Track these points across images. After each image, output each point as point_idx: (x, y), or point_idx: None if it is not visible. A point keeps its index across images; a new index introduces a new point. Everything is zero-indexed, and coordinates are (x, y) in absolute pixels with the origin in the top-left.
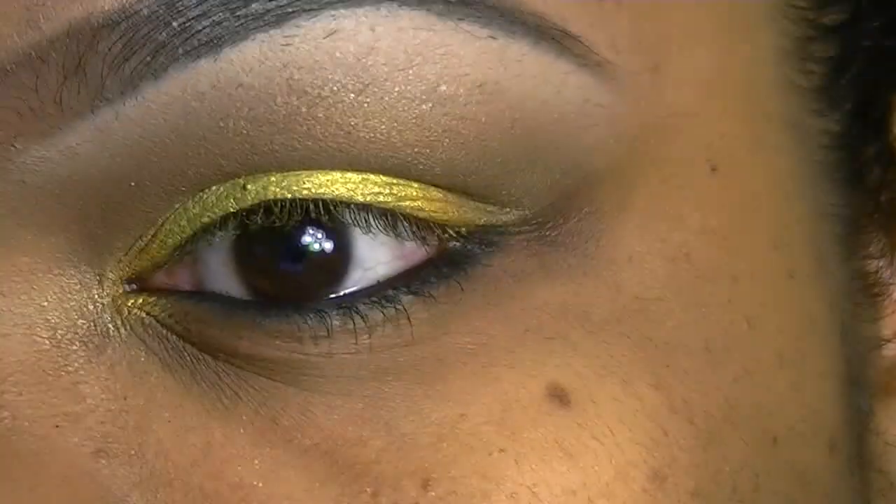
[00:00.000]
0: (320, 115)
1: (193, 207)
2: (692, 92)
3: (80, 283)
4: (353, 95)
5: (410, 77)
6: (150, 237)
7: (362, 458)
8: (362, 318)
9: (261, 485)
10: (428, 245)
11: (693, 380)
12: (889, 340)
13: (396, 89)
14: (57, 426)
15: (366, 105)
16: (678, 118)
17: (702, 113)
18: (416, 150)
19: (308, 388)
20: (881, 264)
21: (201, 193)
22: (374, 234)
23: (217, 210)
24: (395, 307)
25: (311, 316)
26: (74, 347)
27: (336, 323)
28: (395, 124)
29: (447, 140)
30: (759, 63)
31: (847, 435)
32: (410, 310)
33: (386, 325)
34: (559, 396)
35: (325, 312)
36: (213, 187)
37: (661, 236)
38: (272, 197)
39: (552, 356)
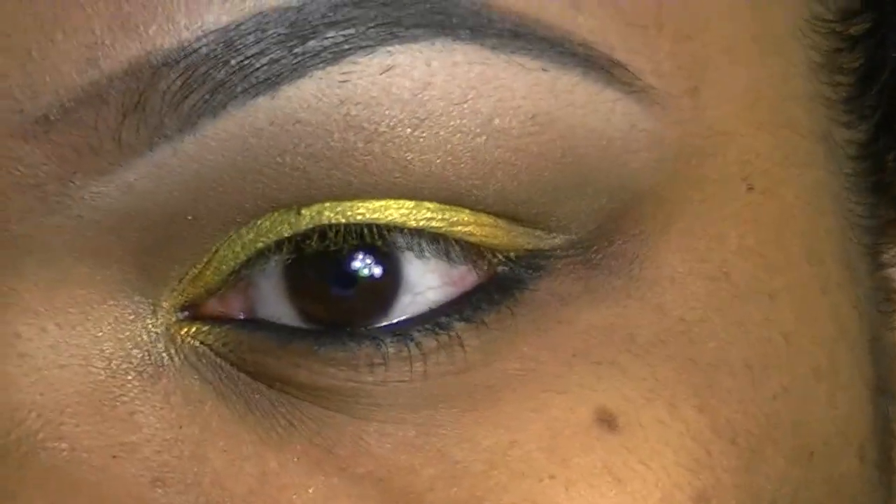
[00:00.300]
0: (377, 150)
1: (248, 234)
2: (729, 111)
3: (135, 313)
4: (409, 130)
5: (465, 111)
6: (203, 264)
7: (415, 486)
8: (417, 345)
9: None
10: (478, 269)
11: (735, 399)
12: None
13: (452, 123)
14: (114, 456)
15: (421, 140)
16: (716, 137)
17: (738, 131)
18: (469, 182)
19: (362, 417)
20: None
21: (256, 220)
22: (426, 258)
23: (271, 235)
24: (448, 334)
25: (367, 343)
26: (129, 377)
27: (391, 350)
28: (450, 158)
29: (500, 172)
30: (790, 78)
31: (874, 443)
32: (463, 336)
33: (440, 353)
34: (607, 421)
35: (380, 340)
36: (268, 213)
37: (701, 256)
38: (326, 222)
39: (600, 380)
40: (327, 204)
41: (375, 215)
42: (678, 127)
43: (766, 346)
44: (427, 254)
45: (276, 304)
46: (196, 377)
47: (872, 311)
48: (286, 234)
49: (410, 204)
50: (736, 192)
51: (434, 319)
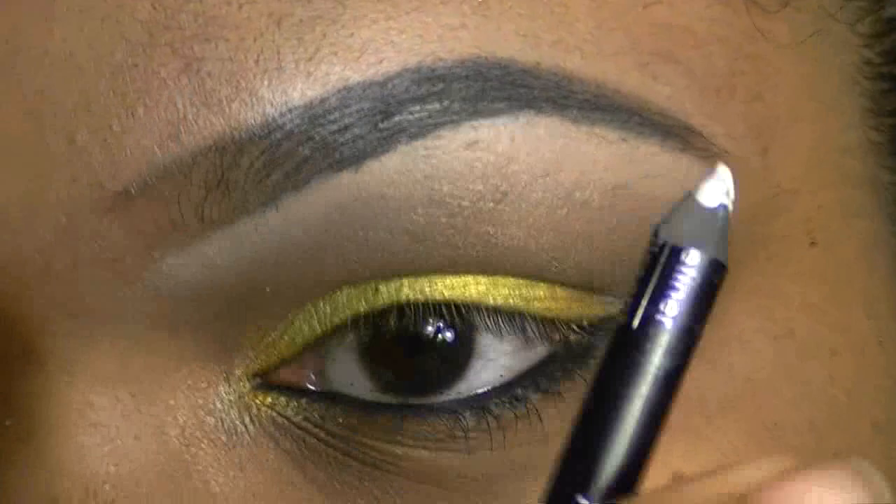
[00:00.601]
0: (459, 224)
1: (325, 307)
2: (795, 169)
3: (208, 381)
4: (492, 204)
5: (548, 184)
6: (278, 333)
7: None
8: (495, 417)
9: None
10: (552, 341)
11: (800, 458)
12: None
13: (534, 197)
14: None
15: (504, 213)
16: (783, 196)
17: (803, 188)
18: (550, 255)
19: (454, 489)
20: None
21: (333, 293)
22: (502, 336)
23: (348, 311)
24: (525, 406)
25: (446, 416)
26: (203, 445)
27: (471, 423)
28: (532, 231)
29: (581, 243)
30: (848, 129)
31: None
32: (540, 407)
33: (518, 424)
34: None
35: (459, 413)
36: (345, 289)
37: (767, 315)
38: (404, 299)
39: (675, 445)
40: (405, 280)
41: (453, 292)
42: (749, 188)
43: (830, 404)
44: (505, 332)
45: (349, 373)
46: (272, 446)
47: None
48: (362, 310)
49: (488, 281)
50: (800, 248)
51: (510, 392)
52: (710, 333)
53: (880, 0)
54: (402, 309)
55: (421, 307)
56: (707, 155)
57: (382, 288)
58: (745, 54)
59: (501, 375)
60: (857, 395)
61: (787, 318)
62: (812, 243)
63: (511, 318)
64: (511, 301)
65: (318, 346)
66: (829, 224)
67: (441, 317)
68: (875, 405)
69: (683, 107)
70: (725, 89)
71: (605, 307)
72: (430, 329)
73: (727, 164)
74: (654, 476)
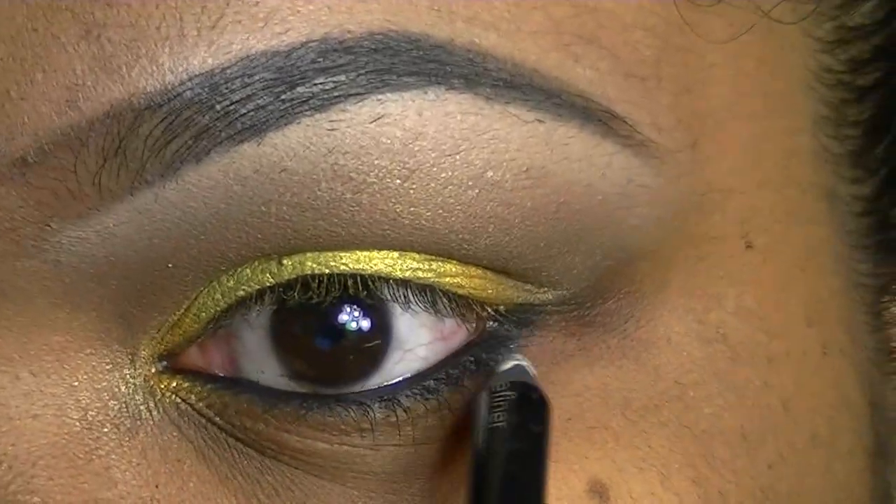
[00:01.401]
0: (365, 201)
1: (228, 281)
2: (729, 167)
3: (112, 363)
4: (398, 182)
5: (457, 163)
6: (183, 311)
7: None
8: (405, 410)
9: None
10: (467, 322)
11: (729, 469)
12: None
13: (443, 175)
14: None
15: (411, 191)
16: (716, 194)
17: (738, 188)
18: (460, 235)
19: (354, 486)
20: None
21: (237, 269)
22: (413, 310)
23: (253, 284)
24: (436, 399)
25: (354, 407)
26: (106, 430)
27: (379, 415)
28: (441, 211)
29: (492, 226)
30: (796, 133)
31: None
32: (451, 401)
33: (429, 417)
34: (599, 493)
35: (367, 405)
36: (249, 261)
37: (698, 317)
38: (309, 272)
39: (594, 448)
40: (310, 254)
41: (360, 265)
42: (677, 183)
43: (764, 413)
44: (414, 306)
45: (261, 359)
46: (176, 434)
47: (873, 373)
48: (268, 284)
49: (395, 254)
50: (735, 250)
51: (421, 383)
52: (636, 332)
53: (842, 6)
54: (306, 281)
55: (326, 279)
56: (630, 143)
57: (286, 261)
58: (674, 45)
59: (418, 368)
60: (794, 405)
61: (719, 321)
62: (748, 246)
63: (422, 292)
64: (420, 273)
65: (224, 323)
66: (771, 228)
67: (346, 289)
68: (815, 416)
69: (606, 92)
70: (652, 79)
71: (521, 294)
72: (345, 317)
73: (653, 154)
74: (571, 481)
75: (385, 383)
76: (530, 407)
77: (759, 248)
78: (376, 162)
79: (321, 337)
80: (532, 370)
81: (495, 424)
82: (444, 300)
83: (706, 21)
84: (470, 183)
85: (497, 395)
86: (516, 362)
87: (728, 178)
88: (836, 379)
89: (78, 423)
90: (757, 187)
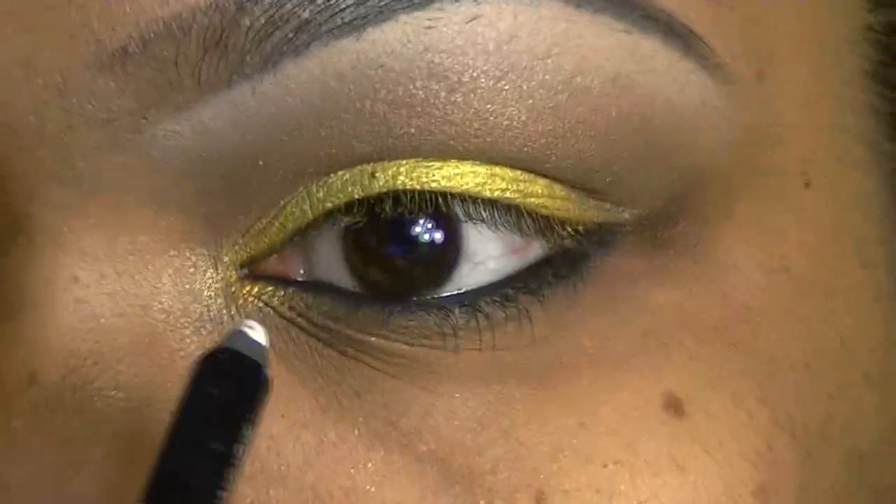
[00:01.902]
0: (459, 100)
1: (318, 192)
2: (791, 104)
3: (195, 266)
4: (492, 82)
5: (549, 66)
6: (270, 219)
7: (478, 467)
8: (485, 316)
9: (373, 490)
10: (548, 241)
11: (795, 393)
12: None
13: (535, 78)
14: (171, 412)
15: (504, 92)
16: (778, 128)
17: (798, 126)
18: (549, 139)
19: (432, 390)
20: None
21: (327, 178)
22: (497, 230)
23: (342, 196)
24: (516, 306)
25: (435, 312)
26: (188, 332)
27: (460, 321)
28: (532, 112)
29: (580, 131)
30: (846, 83)
31: None
32: (531, 309)
33: (507, 324)
34: (675, 406)
35: (449, 310)
36: (340, 172)
37: (761, 248)
38: (401, 187)
39: (668, 363)
40: (403, 168)
41: (451, 183)
42: (745, 111)
43: (824, 345)
44: (500, 225)
45: (333, 268)
46: None
47: None
48: (357, 196)
49: (486, 172)
50: (795, 186)
51: (500, 291)
52: (705, 256)
53: None
54: (397, 196)
55: (417, 195)
56: (706, 65)
57: (379, 173)
58: None
59: (490, 278)
60: (850, 342)
61: (782, 253)
62: (807, 184)
63: (507, 212)
64: (508, 194)
65: (307, 235)
66: (826, 168)
67: (437, 207)
68: (868, 356)
69: (686, 11)
70: (725, 4)
71: (601, 213)
72: (417, 228)
73: (726, 79)
74: (647, 393)
75: (460, 290)
76: (231, 377)
77: (816, 188)
78: (471, 62)
79: (392, 248)
80: (260, 338)
81: (188, 394)
82: (529, 220)
83: None
84: (560, 87)
85: (202, 363)
86: (238, 328)
87: (789, 114)
88: (887, 324)
89: (161, 324)
90: (815, 129)
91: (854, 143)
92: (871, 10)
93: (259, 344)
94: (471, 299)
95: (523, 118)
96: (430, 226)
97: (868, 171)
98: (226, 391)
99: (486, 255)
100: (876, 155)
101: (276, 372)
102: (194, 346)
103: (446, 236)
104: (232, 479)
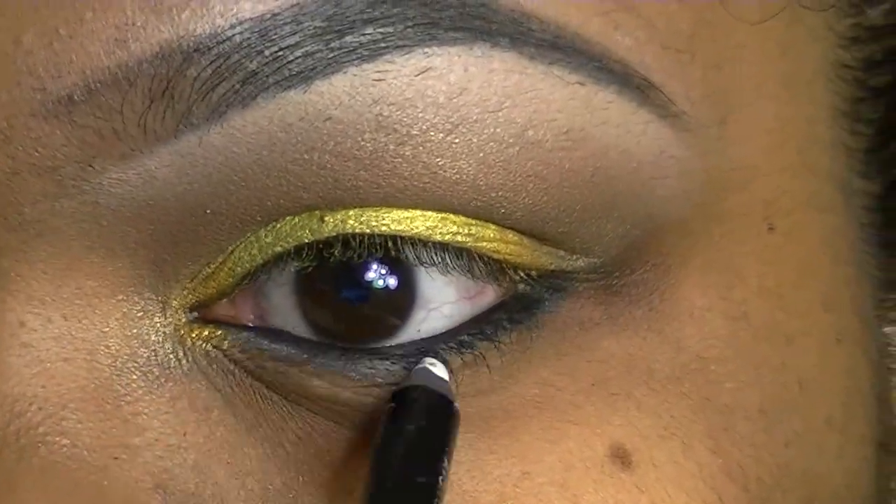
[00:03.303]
0: (407, 153)
1: (266, 236)
2: (754, 146)
3: (143, 310)
4: (441, 135)
5: (500, 120)
6: (218, 264)
7: None
8: (443, 362)
9: None
10: (500, 286)
11: (748, 444)
12: None
13: (486, 131)
14: (116, 458)
15: (454, 145)
16: (740, 172)
17: (762, 168)
18: (500, 193)
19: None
20: None
21: (276, 223)
22: (449, 273)
23: (291, 240)
24: (472, 352)
25: (391, 360)
26: (135, 377)
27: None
28: (482, 166)
29: (531, 185)
30: (815, 121)
31: (875, 499)
32: (487, 356)
33: (464, 371)
34: (621, 457)
35: (407, 357)
36: (289, 217)
37: (721, 293)
38: (350, 231)
39: (616, 413)
40: (352, 212)
41: (401, 227)
42: (705, 157)
43: (782, 392)
44: (451, 269)
45: (285, 314)
46: (204, 383)
47: (881, 367)
48: (306, 240)
49: (437, 216)
50: (757, 230)
51: (456, 337)
52: (661, 304)
53: (859, 4)
54: (347, 240)
55: (366, 239)
56: (665, 114)
57: (328, 217)
58: (707, 21)
59: (445, 324)
60: (810, 386)
61: (742, 299)
62: (770, 228)
63: (458, 256)
64: (459, 238)
65: (257, 279)
66: (792, 212)
67: (387, 251)
68: (830, 400)
69: (644, 60)
70: (686, 52)
71: (554, 260)
72: (371, 274)
73: (684, 126)
74: (594, 444)
75: (414, 339)
76: (426, 413)
77: (780, 231)
78: (420, 115)
79: (346, 293)
80: (442, 373)
81: (388, 432)
82: (481, 264)
83: (738, 0)
84: (511, 140)
85: (396, 402)
86: (423, 366)
87: (753, 157)
88: (850, 366)
89: (108, 369)
90: (780, 171)
91: (822, 183)
92: (846, 46)
93: (444, 379)
94: (427, 346)
95: (473, 171)
96: (383, 271)
97: (836, 211)
98: (422, 426)
99: (441, 301)
100: (845, 194)
101: (222, 419)
102: (141, 391)
103: (400, 281)
104: None
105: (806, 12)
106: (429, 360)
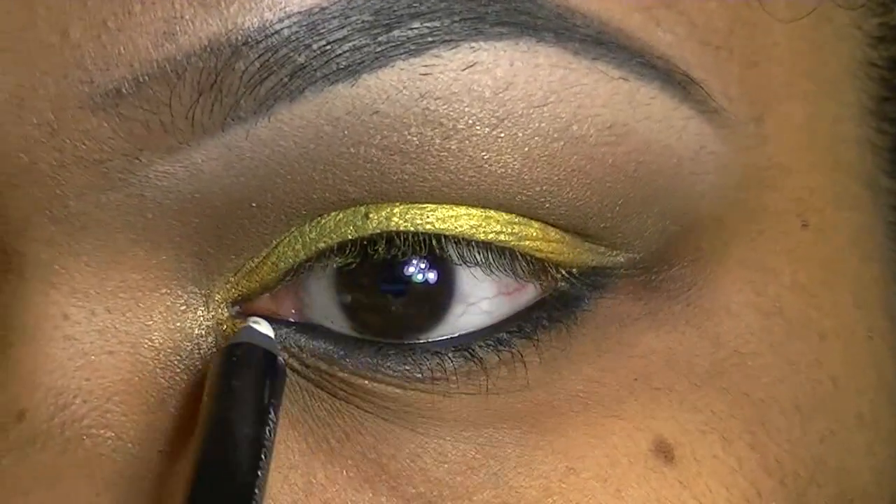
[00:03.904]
0: (453, 147)
1: (311, 232)
2: (788, 145)
3: (186, 304)
4: (487, 129)
5: (545, 114)
6: (262, 258)
7: None
8: (478, 360)
9: None
10: (542, 284)
11: (785, 439)
12: None
13: (531, 126)
14: (160, 451)
15: (499, 140)
16: (775, 170)
17: (795, 166)
18: (544, 187)
19: (423, 432)
20: None
21: (320, 218)
22: (492, 274)
23: (335, 237)
24: (509, 350)
25: (429, 357)
26: (178, 370)
27: (454, 365)
28: (527, 161)
29: (575, 180)
30: (843, 120)
31: None
32: (524, 353)
33: (501, 368)
34: (664, 452)
35: (443, 354)
36: (333, 213)
37: (756, 289)
38: (394, 228)
39: (659, 408)
40: (396, 210)
41: (445, 225)
42: (742, 154)
43: (816, 388)
44: (494, 269)
45: (325, 307)
46: None
47: None
48: (350, 237)
49: (480, 214)
50: (791, 227)
51: (494, 335)
52: (699, 300)
53: (887, 4)
54: (391, 238)
55: (410, 237)
56: (704, 109)
57: (373, 214)
58: (743, 19)
59: (483, 320)
60: (842, 383)
61: (776, 295)
62: (804, 225)
63: (501, 255)
64: (502, 237)
65: (300, 274)
66: (822, 208)
67: (430, 249)
68: (861, 397)
69: (684, 56)
70: (724, 48)
71: (595, 256)
72: (411, 269)
73: (723, 123)
74: (637, 439)
75: (453, 334)
76: (249, 367)
77: (812, 228)
78: (467, 109)
79: (386, 288)
80: (266, 330)
81: (213, 388)
82: (523, 263)
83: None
84: (556, 135)
85: (221, 358)
86: (246, 324)
87: (787, 155)
88: (880, 363)
89: (151, 362)
90: (811, 169)
91: (851, 181)
92: (874, 45)
93: (268, 336)
94: (464, 343)
95: (518, 166)
96: (423, 266)
97: (865, 209)
98: (247, 381)
99: (480, 297)
100: (873, 191)
101: None
102: (184, 384)
103: (439, 277)
104: (266, 460)
105: (836, 10)
106: (253, 318)
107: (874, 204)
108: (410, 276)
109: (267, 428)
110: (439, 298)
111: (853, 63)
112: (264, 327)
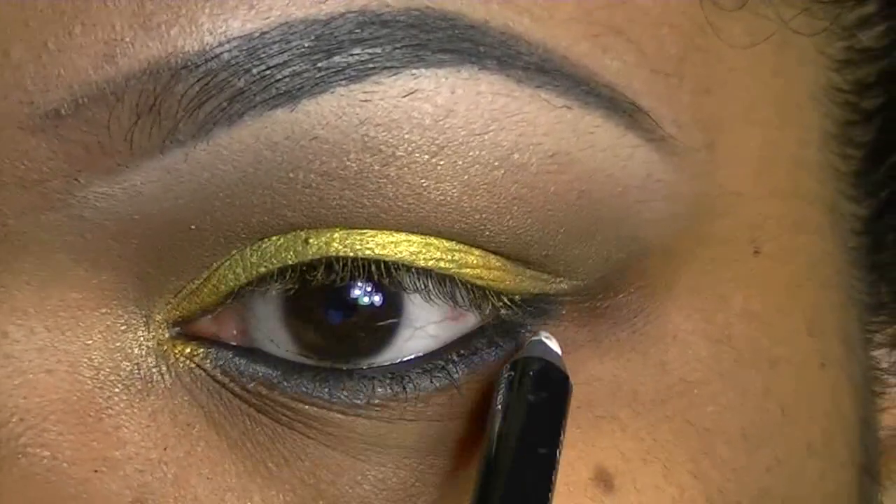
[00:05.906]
0: (392, 174)
1: (251, 256)
2: (742, 172)
3: (126, 324)
4: (427, 157)
5: (486, 142)
6: (202, 281)
7: None
8: (415, 387)
9: None
10: (483, 311)
11: (729, 468)
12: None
13: (471, 154)
14: (96, 471)
15: (439, 167)
16: (728, 197)
17: (749, 193)
18: (484, 215)
19: (364, 459)
20: (887, 355)
21: (260, 242)
22: (432, 301)
23: (275, 261)
24: (447, 377)
25: (365, 383)
26: (117, 390)
27: (388, 391)
28: (467, 189)
29: (515, 208)
30: (805, 145)
31: None
32: (461, 381)
33: (440, 395)
34: (604, 481)
35: (377, 379)
36: (274, 237)
37: (705, 317)
38: (334, 254)
39: (601, 436)
40: (336, 234)
41: (384, 251)
42: (692, 182)
43: (764, 416)
44: (433, 297)
45: (271, 329)
46: (187, 398)
47: (865, 391)
48: (290, 262)
49: (421, 241)
50: (743, 254)
51: (433, 361)
52: (645, 327)
53: (852, 28)
54: (330, 263)
55: (350, 262)
56: (651, 138)
57: (312, 240)
58: (696, 46)
59: (429, 345)
60: (792, 412)
61: (726, 322)
62: (756, 251)
63: (441, 283)
64: (442, 264)
65: (241, 297)
66: (778, 235)
67: (369, 275)
68: (812, 425)
69: (631, 85)
70: (675, 76)
71: (538, 284)
72: (357, 292)
73: (672, 150)
74: (578, 467)
75: (395, 360)
76: (545, 385)
77: (766, 255)
78: (406, 136)
79: (333, 312)
80: (556, 347)
81: (508, 402)
82: (463, 291)
83: (728, 25)
84: (496, 163)
85: (515, 372)
86: (538, 338)
87: (740, 182)
88: (833, 391)
89: (90, 382)
90: (767, 195)
91: (810, 207)
92: (838, 69)
93: (559, 353)
94: (401, 370)
95: (457, 194)
96: (369, 289)
97: (823, 234)
98: (543, 397)
99: (427, 321)
100: (833, 216)
101: (204, 435)
102: (123, 404)
103: (385, 301)
104: (555, 481)
105: (797, 36)
106: (544, 333)
107: (834, 229)
108: (357, 300)
109: (558, 451)
110: (386, 322)
111: (817, 88)
112: (554, 344)
